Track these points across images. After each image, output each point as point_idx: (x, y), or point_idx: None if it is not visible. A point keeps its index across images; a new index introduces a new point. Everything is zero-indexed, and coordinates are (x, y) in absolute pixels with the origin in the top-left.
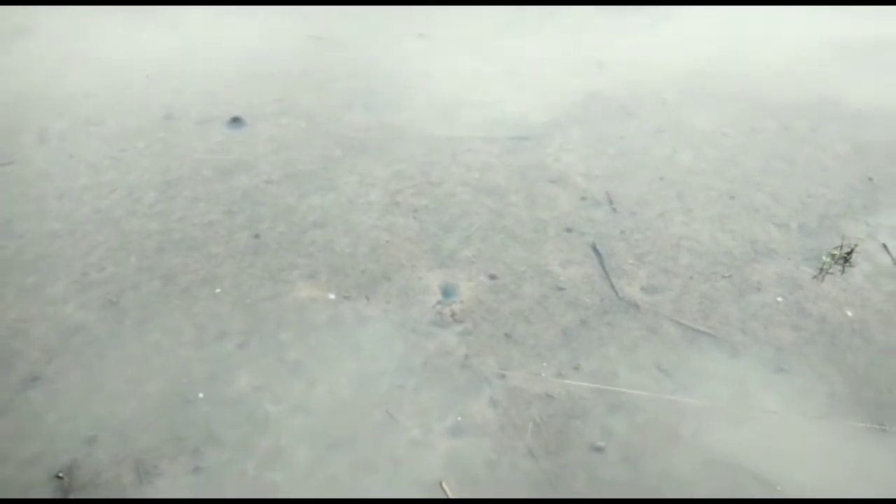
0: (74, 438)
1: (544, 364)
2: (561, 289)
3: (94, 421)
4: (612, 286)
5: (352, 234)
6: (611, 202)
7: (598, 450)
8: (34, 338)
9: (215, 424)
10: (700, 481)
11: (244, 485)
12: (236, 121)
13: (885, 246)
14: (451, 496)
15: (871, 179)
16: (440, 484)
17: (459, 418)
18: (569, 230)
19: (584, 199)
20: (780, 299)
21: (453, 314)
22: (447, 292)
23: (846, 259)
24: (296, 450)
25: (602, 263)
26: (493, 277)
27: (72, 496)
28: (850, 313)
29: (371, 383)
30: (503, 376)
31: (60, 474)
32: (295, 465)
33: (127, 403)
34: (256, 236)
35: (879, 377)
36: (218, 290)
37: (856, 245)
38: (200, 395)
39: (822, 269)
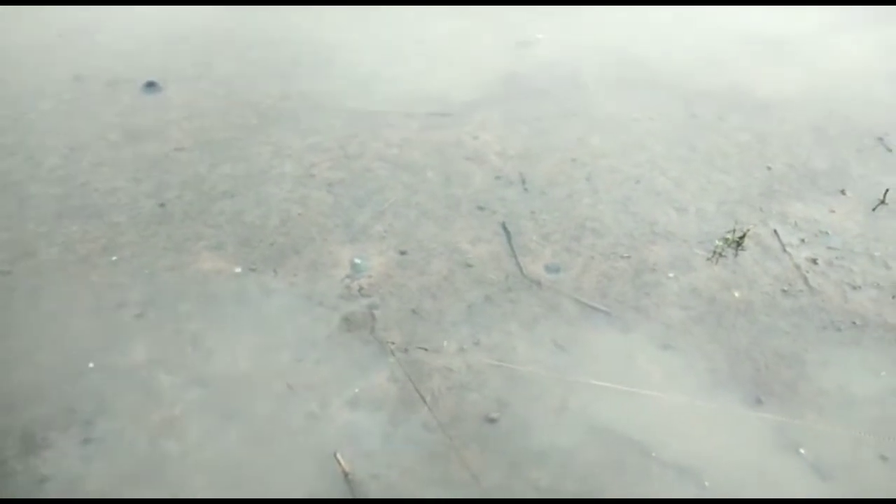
0: None
1: (447, 339)
2: (469, 266)
3: None
4: (517, 264)
5: (263, 206)
6: (523, 182)
7: (492, 421)
8: None
9: (108, 395)
10: (582, 448)
11: (135, 456)
12: (151, 85)
13: (775, 231)
14: (345, 468)
15: (769, 168)
16: (335, 455)
17: (358, 391)
18: (481, 208)
19: (498, 177)
20: (672, 280)
21: (361, 288)
22: (357, 267)
23: (738, 243)
24: (190, 421)
25: (510, 241)
26: (403, 253)
27: None
28: (737, 294)
29: (272, 356)
30: (406, 350)
31: None
32: (188, 437)
33: (17, 373)
34: (162, 205)
35: (759, 355)
36: (115, 258)
37: (748, 230)
38: (91, 364)
39: (714, 252)
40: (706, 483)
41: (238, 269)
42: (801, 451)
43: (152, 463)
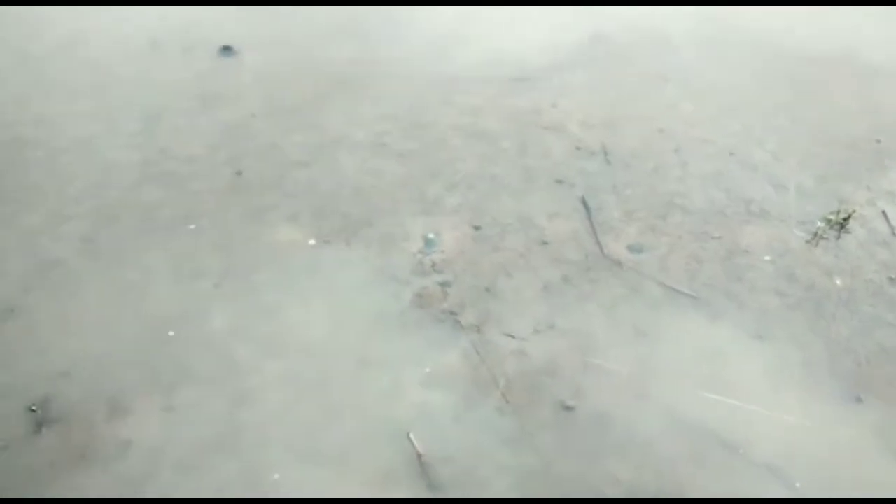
0: (48, 373)
1: (522, 320)
2: (546, 243)
3: (67, 356)
4: (597, 242)
5: (336, 176)
6: (605, 153)
7: (568, 408)
8: (9, 270)
9: (188, 364)
10: (663, 441)
11: (214, 424)
12: (226, 49)
13: (884, 213)
14: (419, 449)
15: (878, 141)
16: (408, 436)
17: (430, 370)
18: (559, 181)
19: (578, 148)
20: (768, 264)
21: (433, 264)
22: (429, 241)
23: (842, 225)
24: (267, 392)
25: (590, 218)
26: (476, 228)
27: (44, 429)
28: (839, 282)
29: (345, 330)
30: (479, 330)
31: (34, 407)
32: (265, 407)
33: (101, 340)
34: (238, 173)
35: (860, 349)
36: (194, 227)
37: (854, 211)
38: (171, 333)
39: (815, 234)
40: (797, 484)
41: (312, 242)
42: None
43: (231, 432)
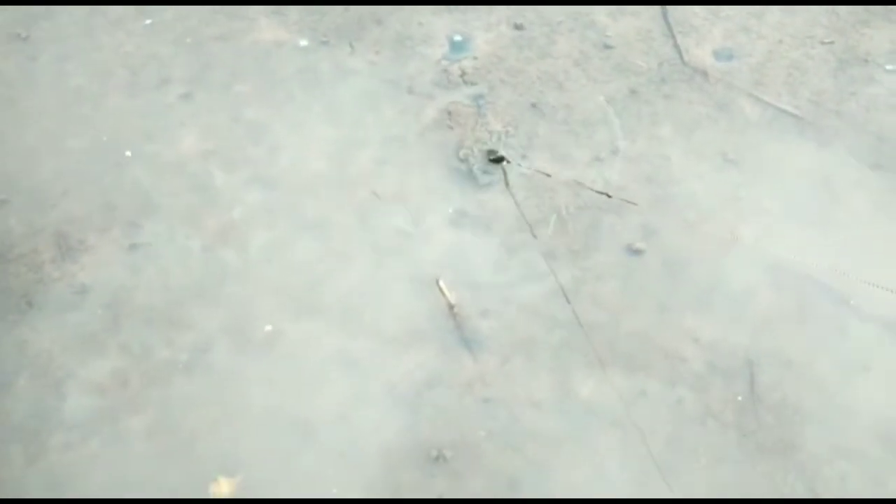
0: None
1: (578, 144)
2: (608, 47)
3: (2, 181)
4: (675, 46)
5: None
6: None
7: (636, 252)
8: None
9: (153, 192)
10: (757, 293)
11: (189, 266)
12: None
13: None
14: (450, 299)
15: None
16: (437, 283)
17: (461, 206)
18: None
19: None
20: (891, 75)
21: (463, 73)
22: (456, 44)
23: None
24: (253, 229)
25: (665, 15)
26: (518, 27)
27: None
28: None
29: (351, 156)
30: (524, 156)
31: None
32: (252, 247)
33: (44, 161)
34: None
35: None
36: (150, 22)
37: None
38: (128, 153)
39: None
40: None
41: (304, 42)
42: None
43: (209, 275)
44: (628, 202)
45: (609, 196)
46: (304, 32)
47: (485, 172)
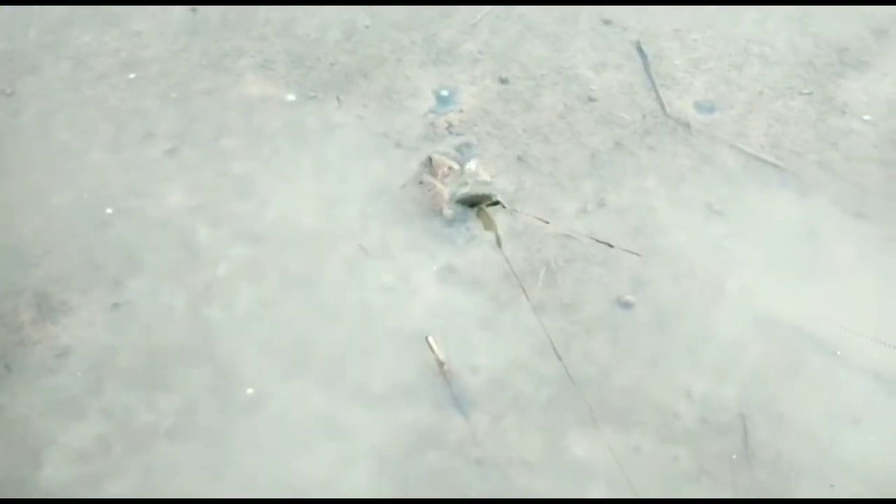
0: None
1: (565, 197)
2: (592, 100)
3: None
4: (658, 99)
5: (320, 14)
6: None
7: (626, 305)
8: None
9: (138, 250)
10: (745, 345)
11: (174, 325)
12: None
13: None
14: (439, 356)
15: None
16: (427, 339)
17: (449, 260)
18: (607, 22)
19: None
20: (868, 125)
21: (450, 126)
22: (443, 98)
23: None
24: (239, 286)
25: (647, 69)
26: (503, 81)
27: None
28: None
29: (338, 210)
30: (511, 210)
31: None
32: (237, 305)
33: (26, 218)
34: (194, 10)
35: None
36: (134, 76)
37: None
38: (109, 210)
39: None
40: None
41: (291, 97)
42: None
43: (194, 334)
44: (630, 252)
45: (611, 246)
46: (291, 87)
47: (468, 227)
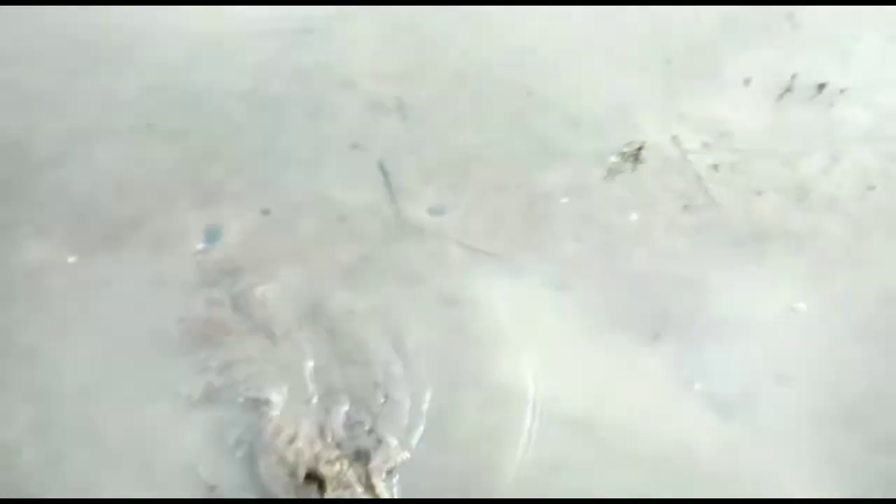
0: None
1: None
2: (342, 219)
3: None
4: (397, 210)
5: (93, 173)
6: (401, 109)
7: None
8: None
9: None
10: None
11: None
12: None
13: (674, 139)
14: (207, 481)
15: (669, 62)
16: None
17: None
18: (355, 146)
19: (373, 106)
20: (566, 207)
21: (217, 261)
22: (210, 236)
23: (636, 157)
24: (24, 448)
25: (388, 184)
26: (265, 213)
27: None
28: (635, 216)
29: (118, 361)
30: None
31: None
32: (22, 467)
33: None
34: None
35: (657, 284)
36: None
37: (645, 141)
38: None
39: (610, 171)
40: (601, 434)
41: (72, 259)
42: (697, 386)
43: None
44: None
45: None
46: (71, 248)
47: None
